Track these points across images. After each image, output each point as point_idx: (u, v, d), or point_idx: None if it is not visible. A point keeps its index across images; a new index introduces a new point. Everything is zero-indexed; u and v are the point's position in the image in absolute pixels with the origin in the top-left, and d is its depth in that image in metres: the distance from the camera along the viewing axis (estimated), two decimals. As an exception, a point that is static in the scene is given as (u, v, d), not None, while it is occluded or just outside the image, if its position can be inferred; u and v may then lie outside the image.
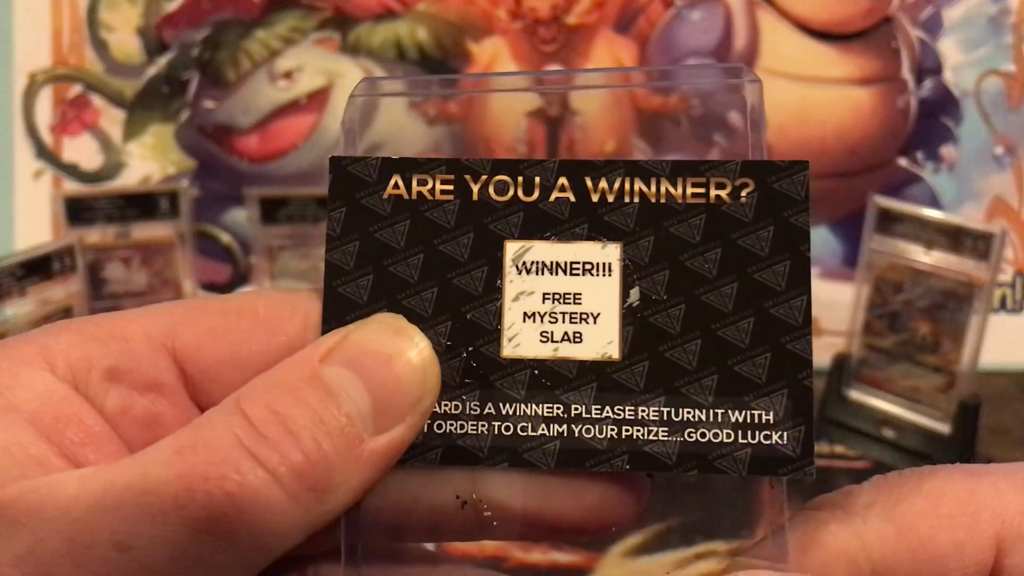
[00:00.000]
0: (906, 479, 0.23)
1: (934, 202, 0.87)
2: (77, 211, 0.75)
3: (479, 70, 0.86)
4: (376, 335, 0.21)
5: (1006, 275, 0.87)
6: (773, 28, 0.85)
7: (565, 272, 0.22)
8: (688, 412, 0.21)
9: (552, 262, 0.22)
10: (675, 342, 0.21)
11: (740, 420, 0.21)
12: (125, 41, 0.86)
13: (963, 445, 0.71)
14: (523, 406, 0.21)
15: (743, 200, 0.22)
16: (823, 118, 0.86)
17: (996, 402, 0.81)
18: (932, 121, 0.86)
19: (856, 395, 0.76)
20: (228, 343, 0.22)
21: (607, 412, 0.21)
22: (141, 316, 0.23)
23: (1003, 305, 0.88)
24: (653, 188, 0.22)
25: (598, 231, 0.22)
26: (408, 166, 0.22)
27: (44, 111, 0.86)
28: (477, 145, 0.87)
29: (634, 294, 0.21)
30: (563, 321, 0.22)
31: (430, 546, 0.65)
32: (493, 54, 0.85)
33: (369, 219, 0.22)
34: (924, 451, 0.72)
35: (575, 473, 0.21)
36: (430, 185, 0.22)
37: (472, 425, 0.21)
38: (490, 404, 0.21)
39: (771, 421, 0.21)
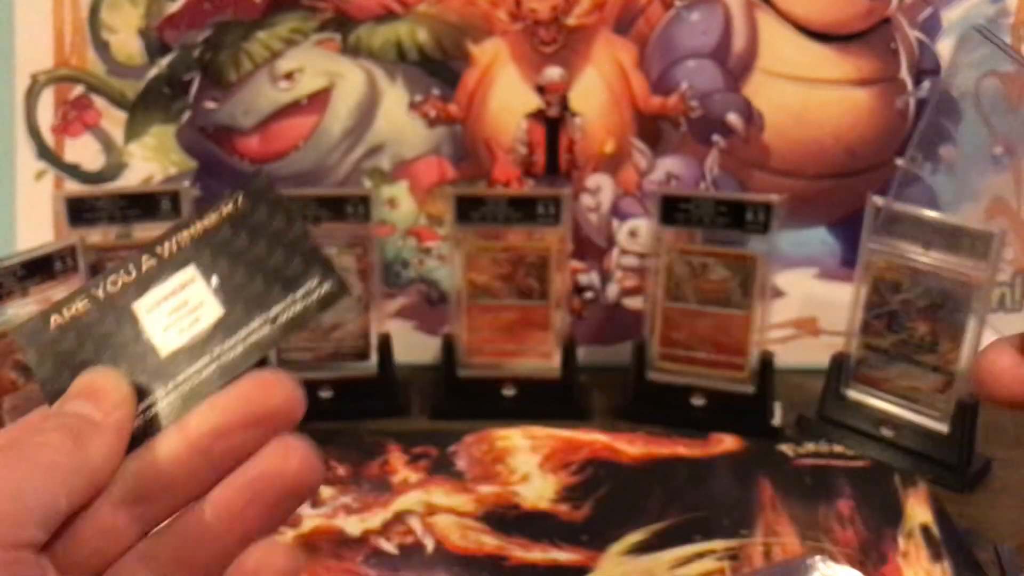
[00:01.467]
0: None
1: (933, 202, 0.87)
2: (79, 211, 0.76)
3: (479, 71, 0.86)
4: (83, 377, 0.35)
5: (1005, 275, 0.88)
6: (772, 29, 0.85)
7: (172, 296, 0.36)
8: (277, 307, 0.35)
9: (162, 296, 0.36)
10: (248, 287, 0.35)
11: (306, 291, 0.35)
12: (126, 42, 0.86)
13: (961, 444, 0.71)
14: (189, 368, 0.35)
15: (239, 202, 0.36)
16: (822, 119, 0.86)
17: (994, 402, 0.82)
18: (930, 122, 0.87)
19: (855, 394, 0.76)
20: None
21: (235, 339, 0.35)
22: None
23: (1002, 305, 0.88)
24: (190, 230, 0.36)
25: (175, 268, 0.36)
26: (55, 307, 0.36)
27: (46, 112, 0.86)
28: (478, 146, 0.87)
29: (214, 280, 0.36)
30: (187, 317, 0.35)
31: (429, 542, 0.65)
32: (493, 55, 0.86)
33: (51, 344, 0.36)
34: (922, 450, 0.73)
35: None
36: (75, 308, 0.36)
37: (164, 401, 0.35)
38: (171, 383, 0.35)
39: (319, 282, 0.35)
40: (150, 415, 0.35)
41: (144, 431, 0.34)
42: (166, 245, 0.36)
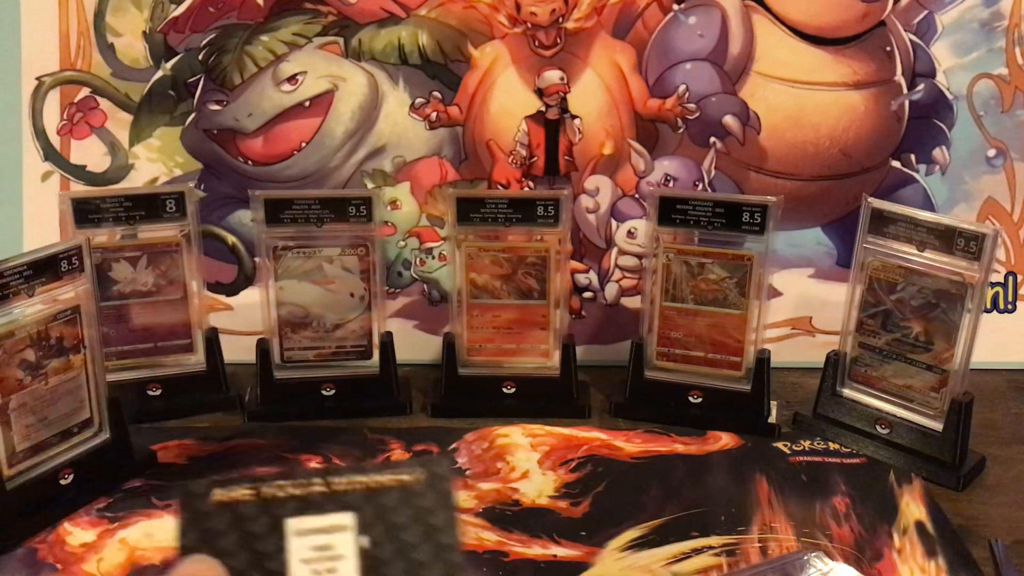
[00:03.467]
0: None
1: (927, 203, 0.88)
2: (85, 212, 0.76)
3: (480, 74, 0.87)
4: (191, 564, 0.33)
5: (998, 275, 0.88)
6: (768, 33, 0.86)
7: (324, 533, 0.35)
8: None
9: (315, 527, 0.35)
10: (389, 567, 0.34)
11: None
12: (132, 45, 0.87)
13: (955, 442, 0.72)
14: None
15: (419, 478, 0.36)
16: (817, 121, 0.87)
17: (987, 399, 0.83)
18: (925, 123, 0.87)
19: (850, 393, 0.77)
20: None
21: None
22: None
23: (995, 304, 0.89)
24: (366, 478, 0.36)
25: (338, 507, 0.35)
26: (223, 483, 0.35)
27: (52, 114, 0.87)
28: (478, 147, 0.88)
29: (364, 540, 0.35)
30: (327, 562, 0.35)
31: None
32: (493, 58, 0.87)
33: (203, 516, 0.35)
34: (916, 448, 0.74)
35: None
36: (239, 493, 0.35)
37: None
38: None
39: None
40: None
41: None
42: (340, 480, 0.36)
